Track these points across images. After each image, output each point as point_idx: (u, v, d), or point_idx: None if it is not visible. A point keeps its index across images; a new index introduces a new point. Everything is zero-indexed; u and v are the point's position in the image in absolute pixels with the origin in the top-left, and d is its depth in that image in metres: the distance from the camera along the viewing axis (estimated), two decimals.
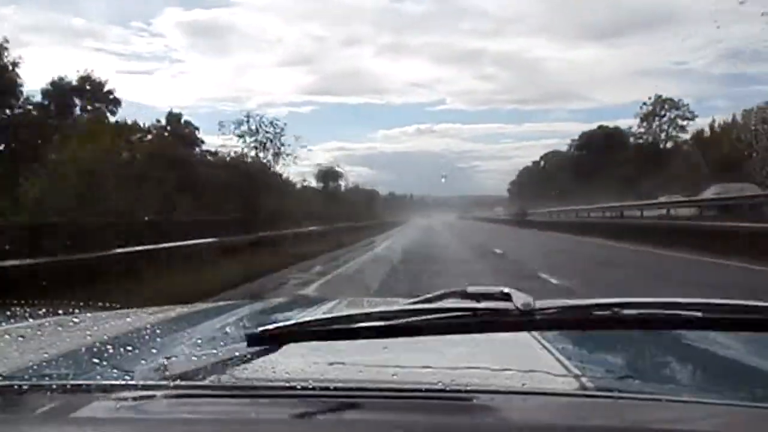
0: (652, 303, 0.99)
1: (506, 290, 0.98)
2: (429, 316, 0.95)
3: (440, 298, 1.04)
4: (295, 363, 1.10)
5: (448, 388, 0.87)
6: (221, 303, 2.55)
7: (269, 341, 0.99)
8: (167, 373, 0.94)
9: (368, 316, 0.99)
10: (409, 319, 0.95)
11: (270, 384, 0.92)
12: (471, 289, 1.02)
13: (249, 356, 1.09)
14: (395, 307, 1.03)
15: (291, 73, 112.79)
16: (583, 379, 0.99)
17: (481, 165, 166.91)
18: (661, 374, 1.18)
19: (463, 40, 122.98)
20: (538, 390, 0.90)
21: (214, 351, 1.09)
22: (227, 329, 1.45)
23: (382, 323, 0.96)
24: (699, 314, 0.96)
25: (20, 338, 1.21)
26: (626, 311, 0.96)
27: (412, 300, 1.08)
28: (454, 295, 1.03)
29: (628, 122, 54.14)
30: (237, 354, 1.08)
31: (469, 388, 0.88)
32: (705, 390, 0.99)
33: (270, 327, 1.00)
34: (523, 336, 1.36)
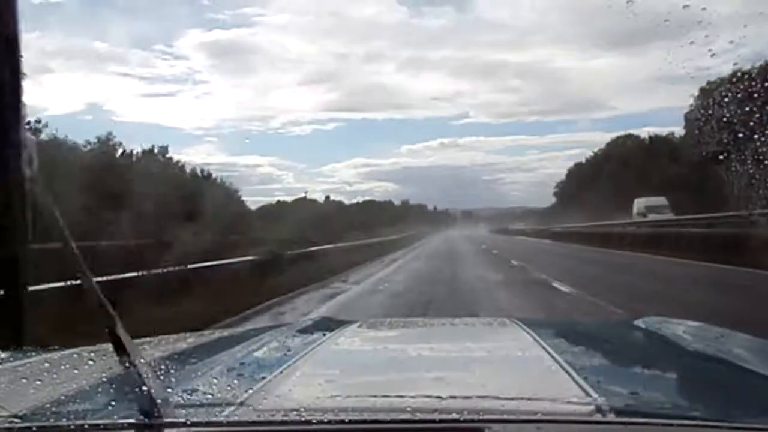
0: None
1: None
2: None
3: None
4: (310, 394, 1.10)
5: (462, 418, 0.87)
6: (242, 330, 2.53)
7: None
8: (184, 410, 0.94)
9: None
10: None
11: (286, 418, 0.92)
12: None
13: (265, 387, 1.09)
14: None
15: (314, 91, 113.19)
16: (597, 403, 0.97)
17: (506, 177, 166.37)
18: (676, 395, 1.16)
19: (483, 52, 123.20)
20: (551, 417, 0.89)
21: (229, 386, 1.09)
22: (249, 358, 1.45)
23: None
24: None
25: (34, 377, 1.20)
26: None
27: None
28: None
29: (653, 130, 46.84)
30: (254, 386, 1.09)
31: (482, 417, 0.87)
32: (721, 412, 0.98)
33: None
34: (536, 354, 1.36)
